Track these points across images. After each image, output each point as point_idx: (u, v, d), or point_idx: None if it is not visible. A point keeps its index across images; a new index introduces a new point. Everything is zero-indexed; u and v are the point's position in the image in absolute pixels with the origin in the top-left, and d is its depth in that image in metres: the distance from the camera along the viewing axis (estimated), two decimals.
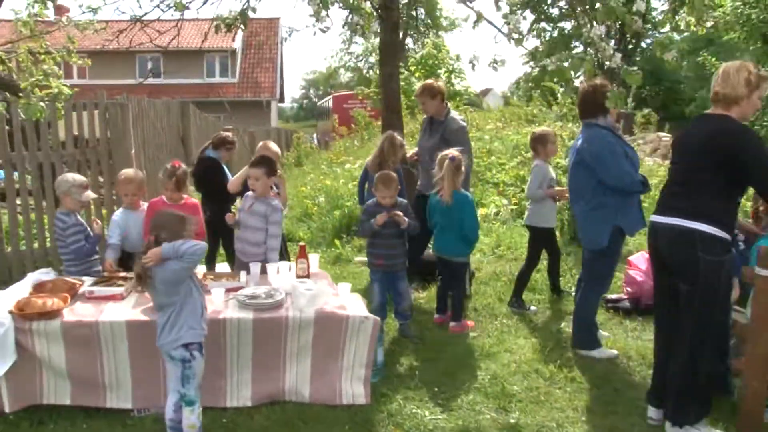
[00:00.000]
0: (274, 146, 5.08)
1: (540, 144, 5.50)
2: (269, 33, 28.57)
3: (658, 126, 17.70)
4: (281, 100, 31.39)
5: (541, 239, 5.57)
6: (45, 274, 4.08)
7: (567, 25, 40.16)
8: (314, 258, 4.35)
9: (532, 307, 5.50)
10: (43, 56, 7.74)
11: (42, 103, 4.66)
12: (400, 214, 4.57)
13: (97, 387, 3.52)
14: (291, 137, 22.15)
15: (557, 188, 5.49)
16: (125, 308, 3.64)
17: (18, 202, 6.06)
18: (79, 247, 4.33)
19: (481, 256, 7.08)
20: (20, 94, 5.85)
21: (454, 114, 5.47)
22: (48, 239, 6.16)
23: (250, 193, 4.55)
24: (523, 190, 9.61)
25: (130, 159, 6.24)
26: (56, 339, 3.43)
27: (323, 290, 3.72)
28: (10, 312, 3.39)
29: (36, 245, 6.18)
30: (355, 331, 3.72)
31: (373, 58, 51.11)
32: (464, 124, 5.45)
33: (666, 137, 13.56)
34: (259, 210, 4.42)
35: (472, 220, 4.90)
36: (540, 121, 17.46)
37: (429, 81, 5.51)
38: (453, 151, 4.91)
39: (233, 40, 25.16)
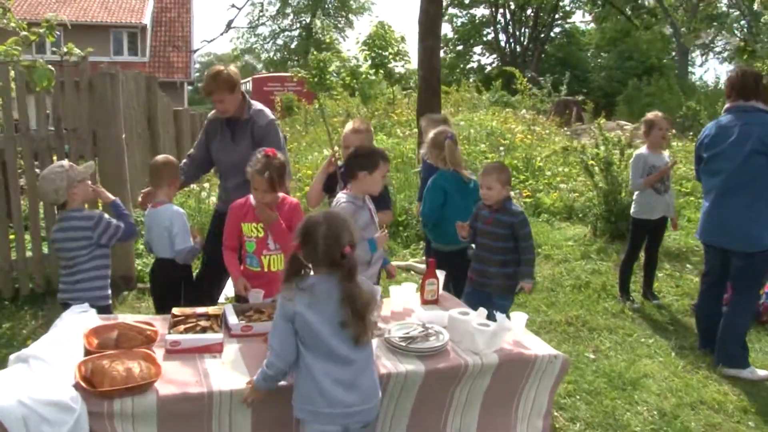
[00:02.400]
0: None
1: (646, 129, 4.92)
2: (181, 10, 26.21)
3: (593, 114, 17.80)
4: (191, 82, 29.06)
5: (640, 231, 5.06)
6: (83, 312, 2.82)
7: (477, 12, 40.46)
8: (440, 276, 3.36)
9: (636, 304, 5.10)
10: None
11: (51, 67, 3.34)
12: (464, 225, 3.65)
13: None
14: (196, 121, 20.35)
15: (657, 173, 4.86)
16: (234, 365, 2.51)
17: None
18: (123, 227, 3.29)
19: None
20: None
21: (256, 104, 3.91)
22: (13, 247, 4.72)
23: (345, 196, 3.32)
24: (523, 180, 9.03)
25: (120, 145, 4.89)
26: (149, 421, 2.26)
27: (503, 325, 2.77)
28: (77, 386, 2.18)
29: None
30: (539, 374, 2.84)
31: (281, 40, 49.45)
32: (273, 116, 3.95)
33: (627, 125, 13.43)
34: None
35: None
36: (481, 106, 17.08)
37: (218, 68, 3.72)
38: (447, 128, 4.30)
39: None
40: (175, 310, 2.82)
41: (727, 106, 4.03)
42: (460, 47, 42.16)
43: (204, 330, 2.68)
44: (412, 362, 2.59)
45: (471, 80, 23.29)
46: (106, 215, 3.23)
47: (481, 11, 40.50)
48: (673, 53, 35.36)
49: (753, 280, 3.93)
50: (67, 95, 4.66)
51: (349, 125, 3.89)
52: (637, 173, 4.90)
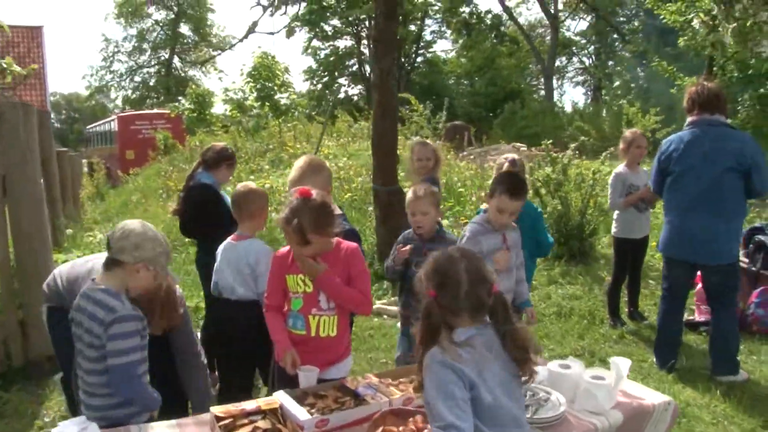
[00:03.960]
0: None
1: (625, 146, 4.76)
2: (32, 44, 23.67)
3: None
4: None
5: (623, 251, 4.90)
6: (83, 430, 1.99)
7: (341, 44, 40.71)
8: None
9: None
10: None
11: None
12: (405, 249, 3.23)
13: None
14: (78, 164, 18.28)
15: (636, 193, 4.69)
16: None
17: None
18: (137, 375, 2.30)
19: None
20: None
21: None
22: None
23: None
24: (451, 207, 8.80)
25: (38, 191, 3.95)
26: None
27: (619, 375, 2.35)
28: None
29: None
30: (654, 424, 2.46)
31: (139, 77, 46.65)
32: None
33: (523, 147, 13.79)
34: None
35: None
36: (361, 135, 16.78)
37: None
38: (512, 155, 4.22)
39: None
40: (216, 411, 2.08)
41: (692, 119, 3.92)
42: (326, 78, 42.13)
43: None
44: None
45: (336, 112, 22.57)
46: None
47: (344, 42, 40.79)
48: (529, 78, 37.94)
49: (731, 292, 3.97)
50: None
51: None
52: (616, 192, 4.74)
